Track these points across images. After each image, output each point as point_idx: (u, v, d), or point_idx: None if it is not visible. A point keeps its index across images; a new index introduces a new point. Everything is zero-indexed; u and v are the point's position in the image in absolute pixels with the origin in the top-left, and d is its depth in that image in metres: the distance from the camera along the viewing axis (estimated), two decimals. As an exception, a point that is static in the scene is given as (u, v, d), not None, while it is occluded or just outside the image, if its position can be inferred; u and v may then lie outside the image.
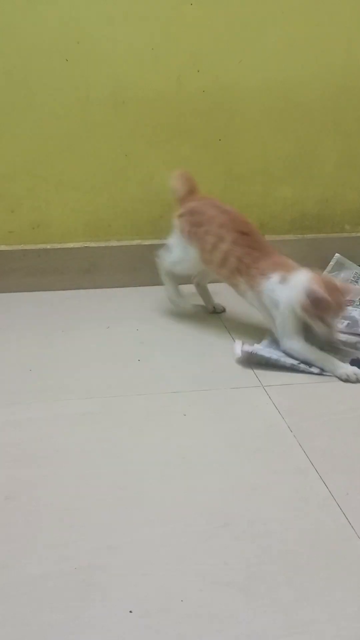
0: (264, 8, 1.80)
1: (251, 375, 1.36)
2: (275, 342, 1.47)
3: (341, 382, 1.34)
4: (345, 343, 1.48)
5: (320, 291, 1.35)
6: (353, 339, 1.50)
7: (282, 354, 1.42)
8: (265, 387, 1.31)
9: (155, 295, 1.73)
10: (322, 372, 1.37)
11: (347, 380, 1.35)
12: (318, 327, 1.39)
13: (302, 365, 1.38)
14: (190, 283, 1.72)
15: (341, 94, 1.89)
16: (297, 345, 1.42)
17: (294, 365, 1.39)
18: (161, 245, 1.70)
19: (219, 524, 0.93)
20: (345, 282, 1.54)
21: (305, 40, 1.84)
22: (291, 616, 0.78)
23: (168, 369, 1.38)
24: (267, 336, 1.49)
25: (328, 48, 1.85)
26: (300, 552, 0.89)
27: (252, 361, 1.40)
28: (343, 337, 1.51)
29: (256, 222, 1.97)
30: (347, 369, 1.36)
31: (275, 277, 1.45)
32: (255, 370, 1.38)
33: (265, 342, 1.48)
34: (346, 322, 1.56)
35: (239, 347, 1.42)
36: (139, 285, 1.85)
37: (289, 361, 1.40)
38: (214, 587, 0.83)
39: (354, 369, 1.37)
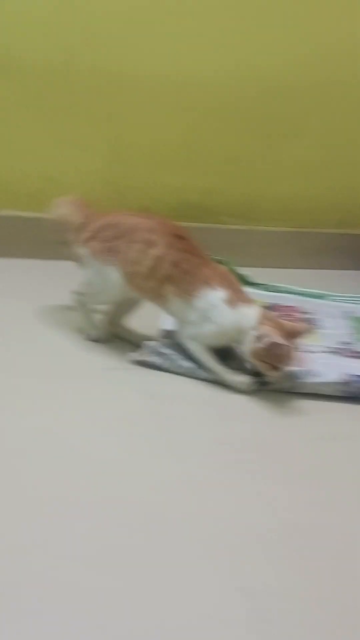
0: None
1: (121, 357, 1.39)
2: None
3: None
4: None
5: (279, 339, 1.29)
6: None
7: (178, 356, 1.39)
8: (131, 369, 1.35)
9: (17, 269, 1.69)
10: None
11: (238, 389, 1.34)
12: (266, 373, 1.34)
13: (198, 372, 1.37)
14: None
15: (230, 87, 1.92)
16: (199, 351, 1.38)
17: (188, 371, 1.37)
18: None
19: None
20: (295, 322, 1.45)
21: (200, 30, 1.86)
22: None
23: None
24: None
25: (223, 40, 1.88)
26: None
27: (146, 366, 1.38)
28: None
29: (139, 206, 1.98)
30: (238, 379, 1.35)
31: (221, 293, 1.36)
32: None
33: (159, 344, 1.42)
34: None
35: (137, 355, 1.39)
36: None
37: (184, 364, 1.38)
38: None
39: (244, 378, 1.35)
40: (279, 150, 2.01)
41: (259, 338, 1.30)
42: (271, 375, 1.33)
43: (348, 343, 1.56)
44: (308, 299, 1.83)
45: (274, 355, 1.29)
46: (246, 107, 1.95)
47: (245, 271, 1.82)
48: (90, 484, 0.99)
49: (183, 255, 1.36)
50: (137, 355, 1.38)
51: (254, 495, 1.02)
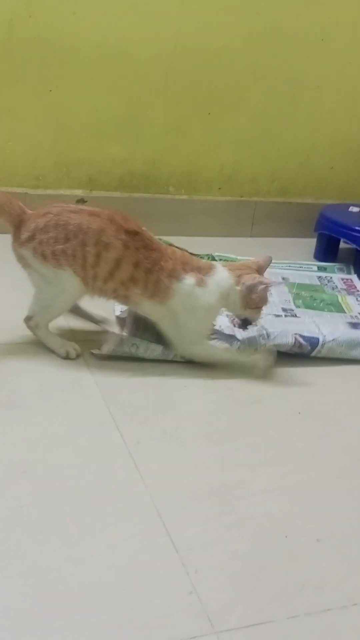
0: None
1: (66, 331, 1.43)
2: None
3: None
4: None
5: (268, 280, 1.33)
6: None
7: (143, 341, 1.37)
8: (78, 342, 1.39)
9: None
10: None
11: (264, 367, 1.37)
12: (254, 318, 1.38)
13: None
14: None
15: (173, 60, 1.96)
16: (205, 350, 1.39)
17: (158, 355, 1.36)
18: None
19: (19, 471, 1.01)
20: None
21: (140, 3, 1.87)
22: (75, 549, 0.89)
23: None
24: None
25: (162, 13, 1.90)
26: (90, 494, 0.99)
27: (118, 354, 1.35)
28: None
29: (85, 178, 2.01)
30: (259, 361, 1.38)
31: (189, 280, 1.32)
32: (69, 327, 1.45)
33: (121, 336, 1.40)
34: None
35: (105, 348, 1.35)
36: None
37: (153, 347, 1.37)
38: (6, 527, 0.91)
39: (263, 356, 1.39)
40: (219, 121, 2.08)
41: (250, 289, 1.33)
42: (258, 317, 1.38)
43: (290, 310, 1.68)
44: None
45: (263, 297, 1.35)
46: (188, 78, 2.00)
47: (184, 244, 1.90)
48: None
49: (141, 254, 1.30)
50: (105, 348, 1.34)
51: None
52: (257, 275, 1.35)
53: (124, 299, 1.35)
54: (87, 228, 1.28)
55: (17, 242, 1.30)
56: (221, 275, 1.35)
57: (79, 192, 2.01)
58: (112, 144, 2.00)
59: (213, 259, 1.95)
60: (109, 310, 1.47)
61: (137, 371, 1.33)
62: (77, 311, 1.43)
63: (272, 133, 2.15)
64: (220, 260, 1.95)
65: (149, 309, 1.34)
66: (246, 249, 2.08)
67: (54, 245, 1.28)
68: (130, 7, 1.87)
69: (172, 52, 1.95)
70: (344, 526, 1.00)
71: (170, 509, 0.98)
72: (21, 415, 1.15)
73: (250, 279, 1.33)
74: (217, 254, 1.98)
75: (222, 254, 1.98)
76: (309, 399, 1.33)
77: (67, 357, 1.33)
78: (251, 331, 1.45)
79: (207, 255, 1.97)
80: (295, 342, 1.44)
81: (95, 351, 1.35)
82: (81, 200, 1.99)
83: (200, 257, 1.95)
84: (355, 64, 2.15)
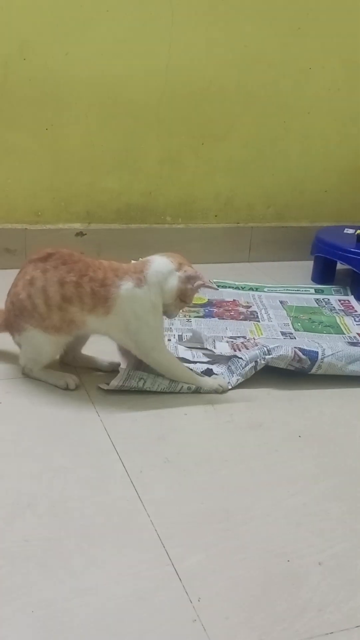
0: (91, 4, 1.86)
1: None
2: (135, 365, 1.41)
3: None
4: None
5: (206, 279, 1.35)
6: (200, 352, 1.54)
7: (150, 374, 1.38)
8: (79, 375, 1.42)
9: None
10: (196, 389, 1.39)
11: (216, 392, 1.39)
12: (174, 310, 1.38)
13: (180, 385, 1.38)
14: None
15: (164, 94, 2.02)
16: (167, 355, 1.39)
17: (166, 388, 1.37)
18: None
19: (23, 504, 1.03)
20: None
21: (129, 40, 1.94)
22: (80, 580, 0.91)
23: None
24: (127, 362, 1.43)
25: (151, 49, 1.96)
26: (94, 525, 1.01)
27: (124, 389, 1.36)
28: (187, 353, 1.53)
29: (83, 212, 2.06)
30: (214, 382, 1.39)
31: (126, 284, 1.32)
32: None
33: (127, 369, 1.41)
34: (189, 334, 1.62)
35: (114, 382, 1.36)
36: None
37: (160, 380, 1.38)
38: (12, 562, 0.93)
39: (219, 380, 1.41)
40: (212, 150, 2.13)
41: (189, 278, 1.34)
42: (176, 314, 1.39)
43: (290, 333, 1.70)
44: (246, 292, 1.97)
45: (193, 293, 1.36)
46: (180, 110, 2.05)
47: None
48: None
49: (62, 270, 1.30)
50: (114, 383, 1.36)
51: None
52: (199, 271, 1.36)
53: (72, 326, 1.32)
54: (17, 283, 1.35)
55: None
56: (160, 262, 1.35)
57: (78, 226, 2.05)
58: (108, 178, 2.05)
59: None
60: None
61: (138, 400, 1.35)
62: (82, 361, 1.45)
63: (266, 159, 2.20)
64: (219, 287, 1.98)
65: (98, 325, 1.33)
66: (244, 274, 2.12)
67: (15, 319, 1.35)
68: (120, 45, 1.93)
69: (163, 85, 2.00)
70: (346, 547, 1.01)
71: (173, 537, 0.99)
72: (24, 448, 1.18)
73: (192, 270, 1.35)
74: (215, 280, 2.01)
75: (221, 280, 2.01)
76: (308, 421, 1.34)
77: (67, 388, 1.36)
78: (252, 349, 1.47)
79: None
80: (294, 356, 1.45)
81: (102, 385, 1.37)
82: (80, 234, 2.04)
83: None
84: (343, 90, 2.20)
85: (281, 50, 2.09)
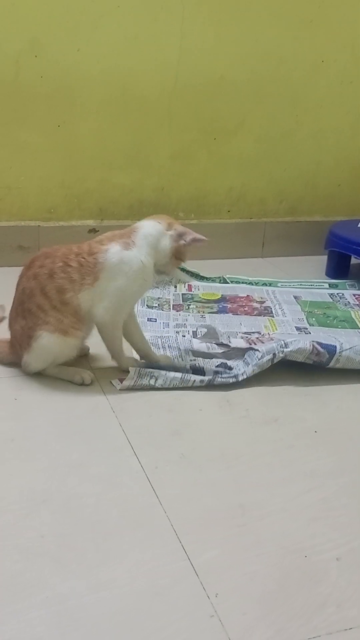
0: (101, 0, 1.86)
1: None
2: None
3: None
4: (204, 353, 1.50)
5: (193, 233, 1.37)
6: (216, 348, 1.52)
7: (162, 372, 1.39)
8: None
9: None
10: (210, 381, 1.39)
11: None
12: (171, 268, 1.40)
13: (192, 377, 1.39)
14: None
15: (175, 89, 2.01)
16: (114, 326, 1.36)
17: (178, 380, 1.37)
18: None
19: (38, 500, 1.03)
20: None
21: (140, 35, 1.93)
22: (95, 576, 0.90)
23: None
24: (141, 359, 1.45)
25: (162, 44, 1.95)
26: (109, 520, 1.00)
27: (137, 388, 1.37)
28: (202, 345, 1.52)
29: (96, 208, 2.06)
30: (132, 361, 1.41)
31: (113, 247, 1.32)
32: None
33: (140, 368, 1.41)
34: (204, 330, 1.62)
35: (127, 382, 1.36)
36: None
37: (172, 376, 1.38)
38: (28, 558, 0.92)
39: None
40: (224, 145, 2.12)
41: (180, 235, 1.36)
42: (173, 272, 1.42)
43: (304, 328, 1.68)
44: (260, 287, 1.95)
45: (187, 250, 1.38)
46: (191, 106, 2.04)
47: (196, 267, 1.93)
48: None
49: (48, 262, 1.32)
50: (126, 383, 1.36)
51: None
52: (182, 227, 1.38)
53: (70, 309, 1.31)
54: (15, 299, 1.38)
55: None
56: (148, 225, 1.37)
57: (90, 222, 2.05)
58: (120, 174, 2.04)
59: (225, 281, 1.98)
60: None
61: (153, 395, 1.34)
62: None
63: (278, 154, 2.18)
64: (232, 282, 1.97)
65: (89, 303, 1.31)
66: (258, 270, 2.10)
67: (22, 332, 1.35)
68: (132, 41, 1.92)
69: (174, 80, 1.99)
70: (364, 543, 1.00)
71: (189, 532, 0.98)
72: (39, 444, 1.17)
73: (182, 228, 1.37)
74: (228, 275, 2.00)
75: (234, 276, 2.00)
76: (324, 417, 1.33)
77: (83, 384, 1.36)
78: (268, 343, 1.46)
79: (219, 277, 1.99)
80: (313, 349, 1.44)
81: (115, 384, 1.37)
82: (93, 230, 2.03)
83: (212, 280, 1.98)
84: (356, 83, 2.17)
85: (293, 44, 2.07)
